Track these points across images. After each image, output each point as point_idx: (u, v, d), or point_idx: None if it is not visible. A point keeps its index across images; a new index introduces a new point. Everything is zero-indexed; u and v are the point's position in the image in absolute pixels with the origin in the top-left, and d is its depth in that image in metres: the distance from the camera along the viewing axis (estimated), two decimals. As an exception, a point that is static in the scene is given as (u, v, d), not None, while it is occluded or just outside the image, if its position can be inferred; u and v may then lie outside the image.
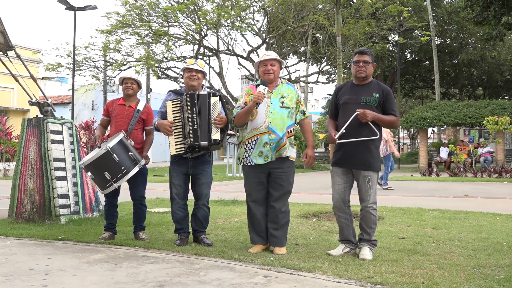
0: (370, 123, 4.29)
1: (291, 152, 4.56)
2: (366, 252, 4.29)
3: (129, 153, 4.85)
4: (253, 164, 4.52)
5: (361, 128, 4.31)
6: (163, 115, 4.87)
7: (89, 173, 4.85)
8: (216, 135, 4.69)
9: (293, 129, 4.61)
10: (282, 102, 4.53)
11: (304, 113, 4.68)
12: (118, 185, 4.83)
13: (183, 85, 5.06)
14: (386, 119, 4.37)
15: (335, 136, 4.33)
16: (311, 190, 11.62)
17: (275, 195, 4.54)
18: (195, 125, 4.64)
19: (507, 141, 24.68)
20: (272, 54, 4.67)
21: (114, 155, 4.72)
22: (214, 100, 4.73)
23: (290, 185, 4.60)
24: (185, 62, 5.07)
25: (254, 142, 4.51)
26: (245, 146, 4.59)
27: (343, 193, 4.44)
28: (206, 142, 4.64)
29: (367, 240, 4.38)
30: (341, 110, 4.47)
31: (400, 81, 32.75)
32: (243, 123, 4.59)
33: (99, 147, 4.79)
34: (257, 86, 4.57)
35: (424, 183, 14.05)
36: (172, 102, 4.79)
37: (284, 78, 4.83)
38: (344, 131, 4.31)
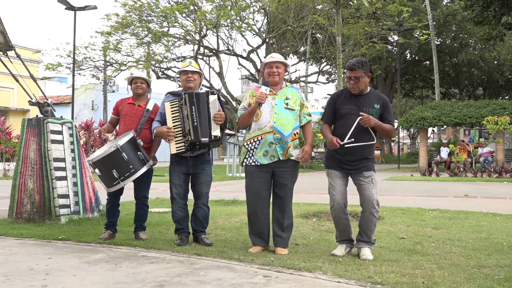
0: (369, 128, 4.36)
1: (295, 154, 4.57)
2: (366, 252, 4.29)
3: (138, 152, 4.85)
4: (258, 164, 4.52)
5: (361, 134, 4.36)
6: (162, 117, 4.87)
7: (97, 170, 4.84)
8: (216, 132, 4.71)
9: (297, 132, 4.61)
10: (287, 104, 4.54)
11: (309, 115, 4.70)
12: (125, 184, 4.83)
13: (181, 88, 5.06)
14: (385, 127, 4.42)
15: (337, 141, 4.32)
16: (311, 190, 11.62)
17: (281, 194, 4.55)
18: (195, 123, 4.65)
19: (507, 141, 24.66)
20: (278, 57, 4.69)
21: (124, 153, 4.71)
22: (212, 98, 4.76)
23: (293, 185, 4.61)
24: (190, 63, 5.07)
25: (258, 142, 4.51)
26: (247, 146, 4.58)
27: (343, 195, 4.45)
28: (207, 139, 4.65)
29: (367, 241, 4.38)
30: (341, 119, 4.46)
31: (400, 81, 32.77)
32: (247, 124, 4.59)
33: (104, 138, 4.78)
34: (260, 88, 4.58)
35: (424, 183, 14.05)
36: (171, 102, 4.81)
37: (285, 79, 4.82)
38: (350, 138, 4.32)
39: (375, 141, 4.44)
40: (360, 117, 4.29)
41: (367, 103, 4.41)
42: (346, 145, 4.33)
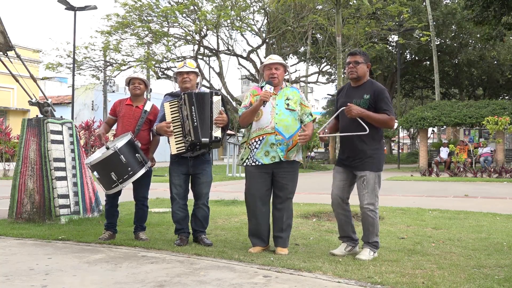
0: (359, 120, 4.25)
1: (298, 156, 4.59)
2: (363, 253, 4.28)
3: (136, 154, 4.84)
4: (259, 164, 4.51)
5: (351, 126, 4.31)
6: (163, 118, 4.86)
7: (95, 173, 4.84)
8: (217, 133, 4.70)
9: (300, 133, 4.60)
10: (288, 104, 4.53)
11: (310, 115, 4.67)
12: (124, 186, 4.83)
13: (178, 89, 5.04)
14: (376, 117, 4.25)
15: (323, 132, 4.41)
16: (311, 190, 11.62)
17: (281, 195, 4.54)
18: (195, 123, 4.64)
19: (507, 141, 24.66)
20: (277, 58, 4.67)
21: (122, 156, 4.70)
22: (216, 99, 4.75)
23: (294, 186, 4.60)
24: (185, 63, 5.06)
25: (259, 142, 4.50)
26: (249, 146, 4.58)
27: (341, 190, 4.42)
28: (207, 139, 4.64)
29: (366, 242, 4.37)
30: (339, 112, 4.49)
31: (400, 81, 32.78)
32: (248, 123, 4.58)
33: (108, 147, 4.76)
34: (261, 87, 4.57)
35: (424, 183, 14.05)
36: (170, 103, 4.80)
37: (284, 79, 4.82)
38: (326, 126, 4.43)
39: (365, 132, 4.23)
40: (343, 107, 4.27)
41: (358, 95, 4.36)
42: (321, 135, 4.39)
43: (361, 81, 4.43)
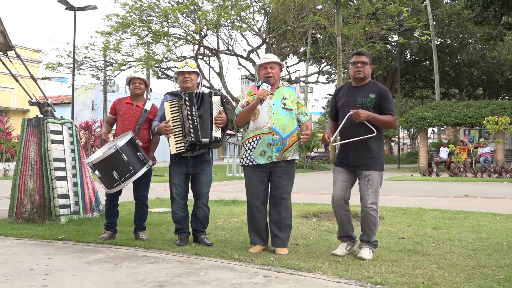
0: (366, 122, 4.27)
1: (295, 155, 4.59)
2: (365, 252, 4.29)
3: (138, 153, 4.85)
4: (255, 163, 4.52)
5: (357, 128, 4.31)
6: (163, 118, 4.87)
7: (97, 172, 4.84)
8: (217, 133, 4.70)
9: (297, 133, 4.61)
10: (284, 104, 4.53)
11: (306, 114, 4.68)
12: (125, 185, 4.83)
13: (179, 88, 5.05)
14: (382, 119, 4.31)
15: (328, 137, 4.39)
16: (311, 190, 11.62)
17: (276, 194, 4.54)
18: (195, 123, 4.65)
19: (507, 141, 24.65)
20: (272, 57, 4.67)
21: (123, 154, 4.71)
22: (215, 99, 4.75)
23: (289, 185, 4.60)
24: (186, 63, 5.06)
25: (256, 142, 4.50)
26: (245, 146, 4.59)
27: (344, 190, 4.42)
28: (207, 139, 4.65)
29: (367, 241, 4.38)
30: (340, 112, 4.49)
31: (400, 81, 32.78)
32: (245, 122, 4.58)
33: (104, 138, 4.78)
34: (258, 87, 4.58)
35: (424, 183, 14.04)
36: (170, 102, 4.80)
37: (284, 79, 4.81)
38: (337, 134, 4.37)
39: (374, 133, 4.27)
40: (350, 112, 4.27)
41: (363, 94, 4.37)
42: (333, 143, 4.37)
43: (365, 81, 4.44)
